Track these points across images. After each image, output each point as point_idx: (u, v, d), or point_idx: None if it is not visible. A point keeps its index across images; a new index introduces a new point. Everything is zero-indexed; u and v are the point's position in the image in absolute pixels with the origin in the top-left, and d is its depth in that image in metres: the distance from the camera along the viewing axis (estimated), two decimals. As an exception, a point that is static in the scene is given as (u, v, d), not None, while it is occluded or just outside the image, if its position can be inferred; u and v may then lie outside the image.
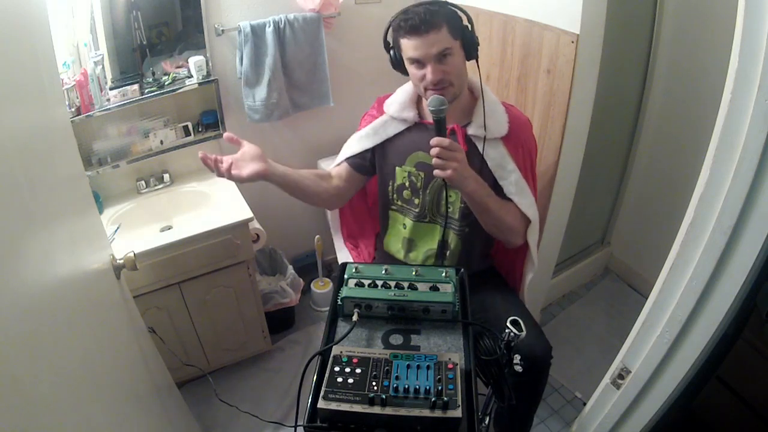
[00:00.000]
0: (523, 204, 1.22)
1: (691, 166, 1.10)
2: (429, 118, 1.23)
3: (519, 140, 1.23)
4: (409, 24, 1.07)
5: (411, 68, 1.14)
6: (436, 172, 1.06)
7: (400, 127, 1.26)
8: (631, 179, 2.15)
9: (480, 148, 1.19)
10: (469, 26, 1.13)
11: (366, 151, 1.30)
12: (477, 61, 1.16)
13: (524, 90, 1.56)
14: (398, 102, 1.26)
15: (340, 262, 1.18)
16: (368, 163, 1.32)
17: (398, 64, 1.18)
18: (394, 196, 1.32)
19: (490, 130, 1.19)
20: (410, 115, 1.25)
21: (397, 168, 1.28)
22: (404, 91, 1.27)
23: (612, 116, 1.85)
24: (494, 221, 1.19)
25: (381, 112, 1.31)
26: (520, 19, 1.47)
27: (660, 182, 2.02)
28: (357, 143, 1.31)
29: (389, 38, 1.17)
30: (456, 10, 1.11)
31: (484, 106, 1.17)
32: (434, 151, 1.04)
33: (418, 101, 1.27)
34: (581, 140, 1.55)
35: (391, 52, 1.18)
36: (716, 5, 1.60)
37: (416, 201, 1.29)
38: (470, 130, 1.20)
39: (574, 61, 1.33)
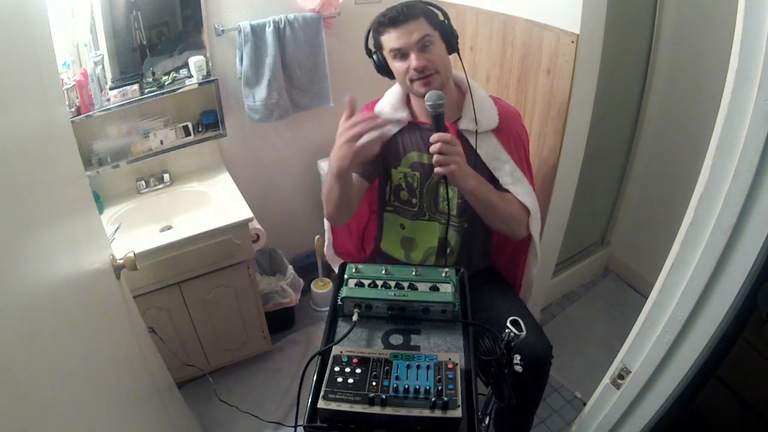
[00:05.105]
0: (520, 193, 1.23)
1: (691, 166, 1.09)
2: (421, 118, 1.24)
3: (510, 131, 1.24)
4: (387, 18, 1.11)
5: (395, 64, 1.15)
6: (437, 169, 1.06)
7: (394, 129, 1.26)
8: (631, 179, 2.15)
9: (472, 142, 1.20)
10: (446, 21, 1.15)
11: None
12: (459, 55, 1.18)
13: (524, 90, 1.56)
14: (389, 103, 1.26)
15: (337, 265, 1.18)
16: (374, 168, 1.30)
17: (383, 66, 1.19)
18: (391, 197, 1.32)
19: (481, 124, 1.20)
20: (403, 115, 1.24)
21: (392, 170, 1.28)
22: (393, 92, 1.28)
23: (612, 116, 1.85)
24: (498, 215, 1.19)
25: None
26: (520, 19, 1.47)
27: (660, 182, 2.02)
28: None
29: (370, 44, 1.20)
30: (431, 7, 1.14)
31: (473, 100, 1.19)
32: (435, 147, 1.04)
33: (408, 101, 1.27)
34: (581, 140, 1.55)
35: (374, 56, 1.20)
36: (716, 5, 1.60)
37: (414, 201, 1.29)
38: (461, 125, 1.21)
39: (574, 61, 1.33)
